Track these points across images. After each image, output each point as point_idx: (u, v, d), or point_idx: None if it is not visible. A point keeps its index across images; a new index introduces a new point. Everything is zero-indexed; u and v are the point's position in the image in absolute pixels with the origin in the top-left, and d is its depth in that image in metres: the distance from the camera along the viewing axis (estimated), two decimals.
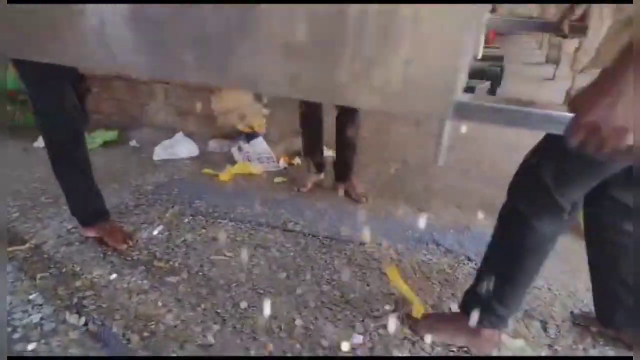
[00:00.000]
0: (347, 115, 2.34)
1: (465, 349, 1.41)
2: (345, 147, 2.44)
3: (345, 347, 1.40)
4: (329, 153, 2.96)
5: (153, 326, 1.45)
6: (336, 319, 1.52)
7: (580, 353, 1.42)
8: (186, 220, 2.14)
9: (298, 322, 1.50)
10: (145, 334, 1.42)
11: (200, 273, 1.74)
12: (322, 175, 2.58)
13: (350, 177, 2.51)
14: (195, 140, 3.00)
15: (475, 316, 1.35)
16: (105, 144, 3.02)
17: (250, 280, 1.70)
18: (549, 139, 1.16)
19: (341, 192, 2.49)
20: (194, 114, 2.95)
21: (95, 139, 2.97)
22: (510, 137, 3.17)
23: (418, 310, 1.54)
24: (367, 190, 2.48)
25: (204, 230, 2.04)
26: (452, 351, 1.41)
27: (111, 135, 3.08)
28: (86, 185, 1.85)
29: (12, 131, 2.91)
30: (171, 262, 1.80)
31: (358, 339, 1.43)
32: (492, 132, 3.38)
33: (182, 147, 2.93)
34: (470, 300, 1.39)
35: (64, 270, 1.72)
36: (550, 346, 1.44)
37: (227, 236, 2.01)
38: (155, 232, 2.01)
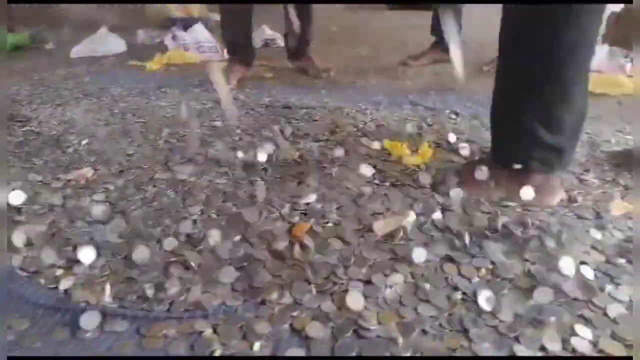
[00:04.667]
0: None
1: (512, 205, 0.91)
2: (298, 14, 1.94)
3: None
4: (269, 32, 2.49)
5: None
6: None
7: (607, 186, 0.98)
8: (92, 100, 1.66)
9: None
10: None
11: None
12: (248, 70, 1.90)
13: (307, 52, 2.02)
14: (123, 35, 2.48)
15: (518, 156, 0.90)
16: (16, 49, 2.49)
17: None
18: None
19: (296, 69, 2.02)
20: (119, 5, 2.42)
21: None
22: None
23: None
24: (328, 67, 2.01)
25: (115, 110, 1.55)
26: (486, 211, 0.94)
27: (21, 38, 2.54)
28: None
29: None
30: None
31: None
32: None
33: (106, 44, 2.41)
34: (503, 137, 0.94)
35: None
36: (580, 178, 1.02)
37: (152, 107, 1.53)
38: (46, 111, 1.53)
